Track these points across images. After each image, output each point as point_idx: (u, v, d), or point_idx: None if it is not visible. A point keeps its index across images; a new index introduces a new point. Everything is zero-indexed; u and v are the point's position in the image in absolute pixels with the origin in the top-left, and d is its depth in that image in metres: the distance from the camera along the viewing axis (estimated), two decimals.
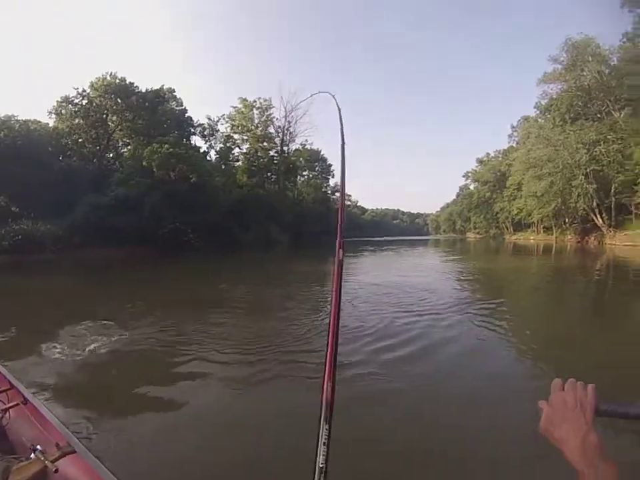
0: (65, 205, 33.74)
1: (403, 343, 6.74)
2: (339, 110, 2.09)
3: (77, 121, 42.84)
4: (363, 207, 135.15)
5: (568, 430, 0.82)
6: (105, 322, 7.97)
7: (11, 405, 2.60)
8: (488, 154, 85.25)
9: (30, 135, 36.22)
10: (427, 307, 9.71)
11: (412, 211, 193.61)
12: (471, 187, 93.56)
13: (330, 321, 1.06)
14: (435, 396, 4.79)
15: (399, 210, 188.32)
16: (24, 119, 37.76)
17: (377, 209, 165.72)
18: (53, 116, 42.53)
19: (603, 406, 0.84)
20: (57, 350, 6.34)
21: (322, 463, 0.87)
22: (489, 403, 4.56)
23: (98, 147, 44.03)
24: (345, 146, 1.70)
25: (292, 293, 12.18)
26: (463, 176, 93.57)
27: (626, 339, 7.21)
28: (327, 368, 0.98)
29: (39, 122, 40.22)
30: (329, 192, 75.63)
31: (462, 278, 16.86)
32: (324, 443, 0.88)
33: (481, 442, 3.72)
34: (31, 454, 2.02)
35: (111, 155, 46.40)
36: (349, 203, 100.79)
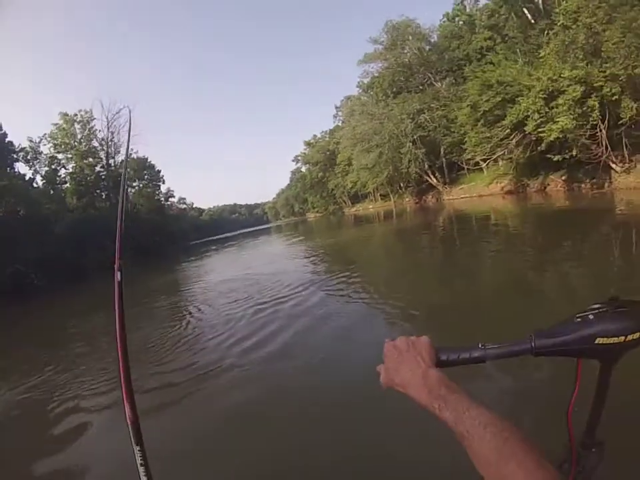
0: None
1: (270, 336, 6.59)
2: (130, 126, 2.10)
3: None
4: (199, 208, 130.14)
5: (406, 371, 0.81)
6: None
7: None
8: (315, 136, 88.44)
9: None
10: (284, 293, 9.63)
11: (249, 203, 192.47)
12: (303, 170, 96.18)
13: (117, 344, 1.01)
14: (323, 388, 4.63)
15: (235, 204, 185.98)
16: None
17: (214, 207, 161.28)
18: None
19: (442, 356, 0.84)
20: None
21: None
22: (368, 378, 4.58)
23: None
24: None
25: (144, 312, 11.26)
26: (293, 160, 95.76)
27: (467, 288, 7.85)
28: (123, 390, 0.94)
29: None
30: (162, 199, 72.91)
31: (310, 257, 17.28)
32: (141, 464, 0.88)
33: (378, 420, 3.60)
34: None
35: None
36: (184, 206, 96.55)
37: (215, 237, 73.78)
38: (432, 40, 48.38)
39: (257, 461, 3.39)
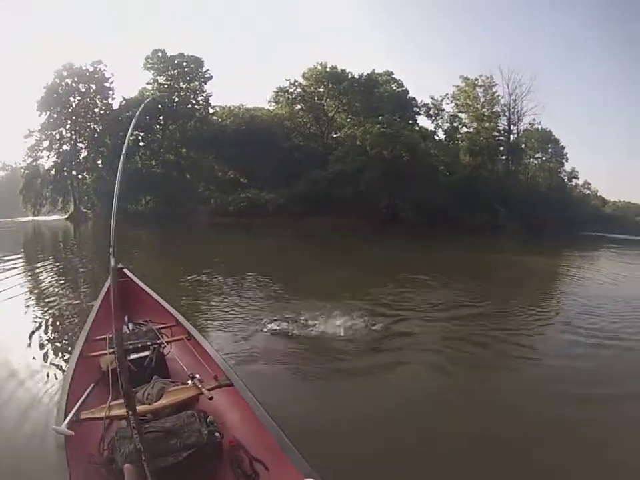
0: (288, 178, 37.47)
1: None
2: None
3: (296, 106, 46.27)
4: (603, 198, 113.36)
5: None
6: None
7: (174, 338, 3.19)
8: None
9: (253, 121, 42.44)
10: None
11: None
12: None
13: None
14: None
15: None
16: (248, 107, 44.98)
17: (619, 201, 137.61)
18: (273, 103, 46.75)
19: None
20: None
21: None
22: None
23: (322, 128, 46.49)
24: None
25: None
26: None
27: None
28: None
29: (262, 109, 45.77)
30: (565, 178, 66.82)
31: None
32: None
33: None
34: (188, 381, 2.38)
35: (335, 135, 48.23)
36: (588, 192, 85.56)
37: (609, 234, 64.17)
38: None
39: None
